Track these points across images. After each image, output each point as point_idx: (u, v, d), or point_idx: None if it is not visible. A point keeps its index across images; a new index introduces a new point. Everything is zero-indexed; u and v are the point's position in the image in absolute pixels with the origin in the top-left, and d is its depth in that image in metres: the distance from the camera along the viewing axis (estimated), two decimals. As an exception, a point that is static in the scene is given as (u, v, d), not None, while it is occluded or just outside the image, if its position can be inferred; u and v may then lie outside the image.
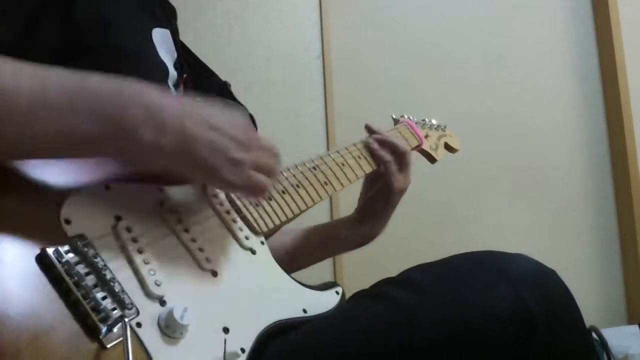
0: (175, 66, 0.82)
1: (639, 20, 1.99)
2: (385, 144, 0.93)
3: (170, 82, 0.79)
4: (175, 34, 0.86)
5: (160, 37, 0.79)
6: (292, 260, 0.93)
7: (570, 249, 1.91)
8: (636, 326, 1.52)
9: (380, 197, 0.93)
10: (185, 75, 0.86)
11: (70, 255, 0.53)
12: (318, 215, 1.01)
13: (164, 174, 0.63)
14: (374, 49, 1.84)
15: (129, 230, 0.59)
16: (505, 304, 0.61)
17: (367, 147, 0.93)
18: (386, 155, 0.91)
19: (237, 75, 1.67)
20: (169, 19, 0.87)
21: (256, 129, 0.90)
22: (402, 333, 0.63)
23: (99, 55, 0.67)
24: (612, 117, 1.96)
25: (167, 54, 0.80)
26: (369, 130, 0.96)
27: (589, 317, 0.68)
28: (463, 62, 1.90)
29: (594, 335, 1.22)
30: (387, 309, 0.66)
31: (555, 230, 1.91)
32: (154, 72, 0.74)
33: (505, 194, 1.88)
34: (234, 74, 1.64)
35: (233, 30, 1.70)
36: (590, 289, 1.89)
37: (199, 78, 0.90)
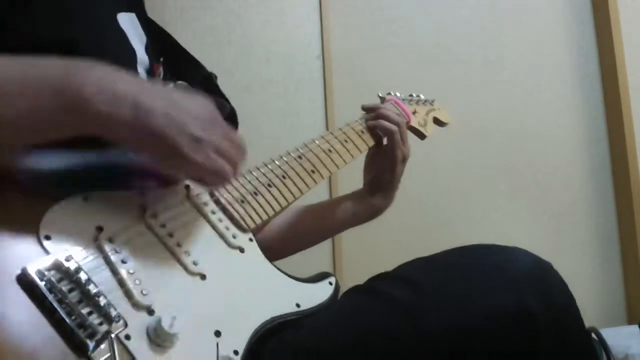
0: (147, 51, 0.79)
1: (639, 20, 1.99)
2: (386, 117, 0.95)
3: (141, 68, 0.76)
4: (142, 17, 0.83)
5: (127, 22, 0.76)
6: (283, 242, 0.93)
7: (570, 249, 1.90)
8: (636, 326, 1.51)
9: (385, 168, 0.95)
10: (162, 60, 0.84)
11: (52, 272, 0.52)
12: (317, 199, 1.01)
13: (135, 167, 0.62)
14: (374, 49, 1.83)
15: (111, 240, 0.58)
16: (507, 306, 0.61)
17: (361, 126, 0.95)
18: (392, 126, 0.93)
19: (237, 75, 1.66)
20: (134, 1, 0.84)
21: (237, 125, 0.88)
22: (404, 337, 0.63)
23: (58, 50, 0.62)
24: (612, 117, 1.96)
25: (136, 39, 0.77)
26: (367, 109, 0.98)
27: (589, 317, 0.67)
28: (463, 62, 1.90)
29: (593, 336, 1.21)
30: (388, 311, 0.65)
31: (555, 231, 1.90)
32: (119, 60, 0.70)
33: (504, 194, 1.88)
34: (233, 74, 1.64)
35: (233, 30, 1.70)
36: (590, 289, 1.89)
37: (179, 66, 0.88)
